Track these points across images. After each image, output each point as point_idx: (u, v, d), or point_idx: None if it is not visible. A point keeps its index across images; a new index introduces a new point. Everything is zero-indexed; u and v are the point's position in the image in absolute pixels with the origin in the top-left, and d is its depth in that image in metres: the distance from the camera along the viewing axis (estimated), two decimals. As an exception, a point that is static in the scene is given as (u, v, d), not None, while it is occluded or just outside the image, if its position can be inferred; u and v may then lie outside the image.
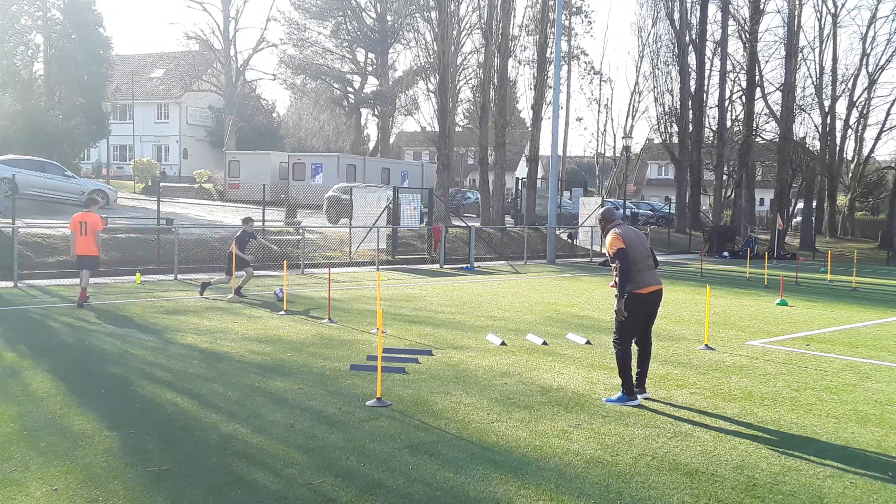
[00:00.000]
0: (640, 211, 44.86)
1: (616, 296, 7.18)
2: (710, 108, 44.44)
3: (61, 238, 18.34)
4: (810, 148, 45.95)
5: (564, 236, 30.69)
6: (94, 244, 12.39)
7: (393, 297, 14.62)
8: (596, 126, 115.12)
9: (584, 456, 5.67)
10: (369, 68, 55.94)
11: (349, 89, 56.13)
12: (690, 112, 41.58)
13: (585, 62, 58.08)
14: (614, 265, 7.17)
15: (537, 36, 34.99)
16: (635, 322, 7.19)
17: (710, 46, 42.99)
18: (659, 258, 7.59)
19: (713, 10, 42.39)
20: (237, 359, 8.74)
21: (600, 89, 75.87)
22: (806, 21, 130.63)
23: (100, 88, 36.25)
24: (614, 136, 70.31)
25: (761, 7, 39.80)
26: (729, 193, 47.92)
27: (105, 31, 36.52)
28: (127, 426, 6.10)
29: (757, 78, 41.20)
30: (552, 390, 7.59)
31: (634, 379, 7.26)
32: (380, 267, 21.39)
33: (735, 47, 44.34)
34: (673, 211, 43.30)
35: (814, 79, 45.90)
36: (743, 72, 42.89)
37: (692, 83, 41.82)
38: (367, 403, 6.87)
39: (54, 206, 23.89)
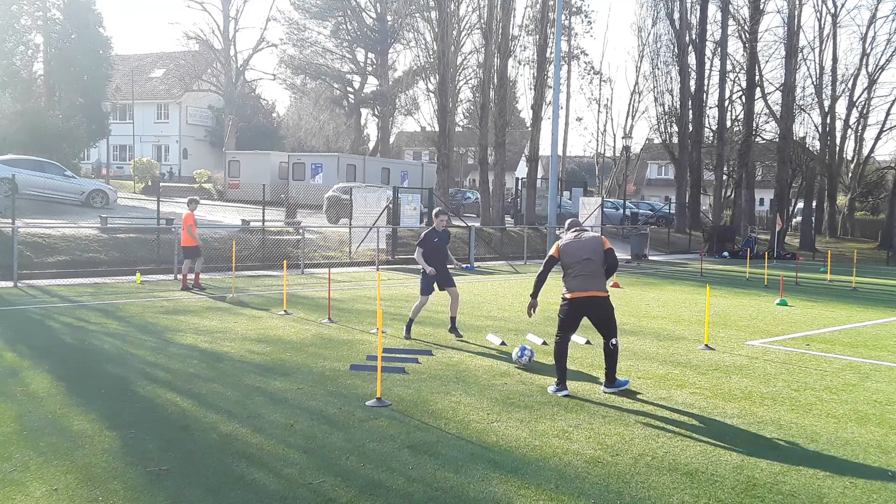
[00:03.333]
0: (640, 211, 44.83)
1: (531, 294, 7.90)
2: (710, 108, 44.44)
3: (61, 238, 18.34)
4: (810, 148, 45.94)
5: (564, 236, 30.62)
6: (187, 236, 14.97)
7: (393, 297, 14.61)
8: (596, 126, 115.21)
9: (584, 456, 5.67)
10: (369, 68, 55.95)
11: (349, 89, 56.13)
12: (690, 112, 41.57)
13: (585, 62, 58.19)
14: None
15: (537, 36, 34.99)
16: (569, 321, 7.61)
17: (710, 46, 42.99)
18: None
19: (713, 10, 42.42)
20: (237, 359, 8.74)
21: (600, 89, 76.11)
22: (806, 21, 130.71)
23: (100, 88, 36.26)
24: (614, 136, 70.43)
25: (761, 7, 39.79)
26: (729, 193, 47.91)
27: (105, 31, 36.55)
28: (127, 426, 6.10)
29: (757, 78, 41.19)
30: (552, 390, 7.59)
31: (604, 375, 7.63)
32: (380, 267, 21.39)
33: (735, 47, 44.39)
34: (673, 211, 43.29)
35: (814, 79, 45.97)
36: (743, 72, 42.89)
37: (692, 83, 41.81)
38: (367, 403, 6.87)
39: (54, 206, 23.90)
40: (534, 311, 7.98)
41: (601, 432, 6.25)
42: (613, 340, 7.51)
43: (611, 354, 7.52)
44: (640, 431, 6.31)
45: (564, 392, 7.41)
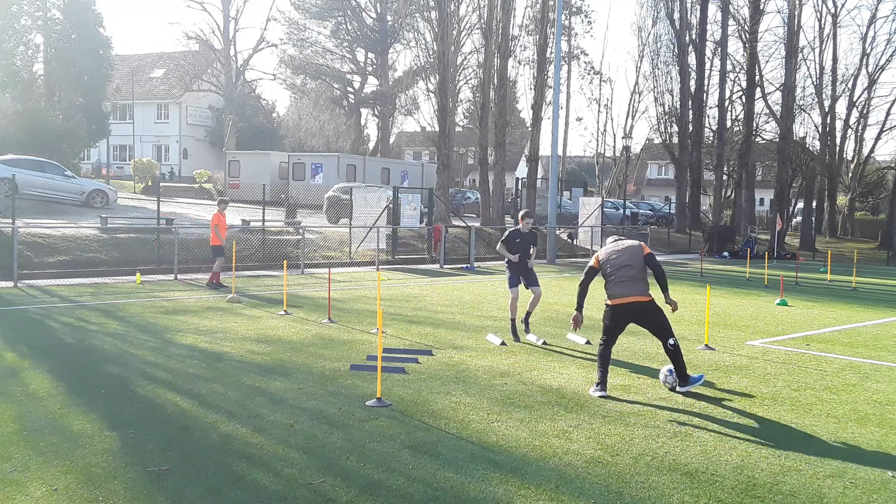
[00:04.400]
0: (640, 211, 44.83)
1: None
2: (710, 108, 44.44)
3: (61, 238, 18.34)
4: (810, 148, 45.93)
5: (564, 236, 30.69)
6: (214, 236, 15.58)
7: (393, 297, 14.61)
8: (596, 126, 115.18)
9: (584, 456, 5.67)
10: (369, 68, 55.95)
11: (349, 89, 56.13)
12: (690, 112, 41.57)
13: (585, 62, 58.15)
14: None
15: (537, 36, 34.97)
16: (612, 327, 7.69)
17: (710, 46, 43.00)
18: (658, 258, 7.81)
19: (713, 10, 42.43)
20: (237, 359, 8.74)
21: (600, 89, 75.95)
22: (806, 21, 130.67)
23: (100, 88, 36.27)
24: (614, 136, 70.43)
25: (761, 7, 39.80)
26: (729, 193, 47.92)
27: (105, 31, 36.57)
28: (127, 426, 6.10)
29: (757, 78, 41.19)
30: (552, 390, 7.59)
31: (677, 375, 7.60)
32: (380, 267, 21.39)
33: (735, 47, 44.39)
34: (673, 211, 43.29)
35: (814, 79, 45.95)
36: (743, 72, 42.89)
37: (692, 83, 41.81)
38: (367, 403, 6.87)
39: (54, 206, 23.91)
40: (577, 326, 7.95)
41: (601, 432, 6.25)
42: (671, 341, 7.45)
43: (673, 354, 7.49)
44: (640, 431, 6.31)
45: (602, 393, 7.43)
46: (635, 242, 7.87)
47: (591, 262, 7.85)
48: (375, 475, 5.17)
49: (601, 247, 7.96)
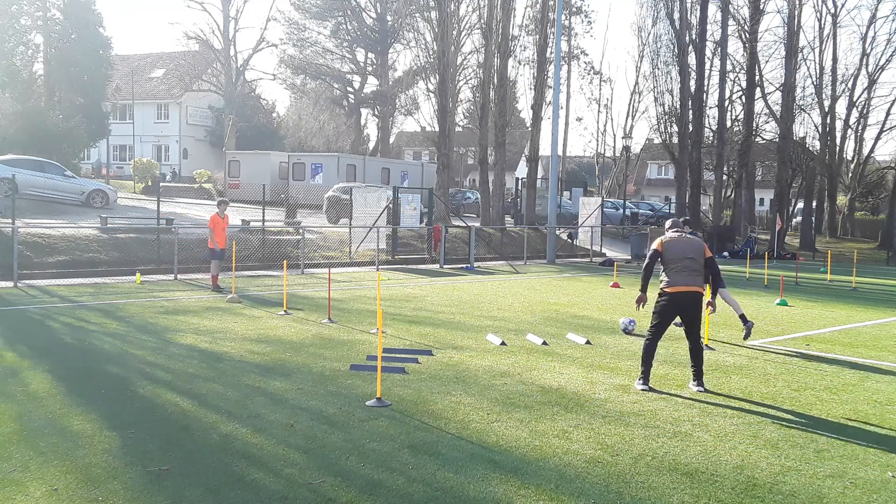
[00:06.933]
0: (640, 211, 44.78)
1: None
2: (710, 108, 44.36)
3: (61, 238, 18.34)
4: (810, 148, 45.93)
5: (564, 236, 30.69)
6: (210, 238, 15.23)
7: (393, 297, 14.61)
8: (596, 126, 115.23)
9: (584, 456, 5.67)
10: (369, 68, 55.94)
11: (349, 89, 56.11)
12: (690, 112, 41.48)
13: (585, 62, 58.20)
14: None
15: (537, 36, 34.99)
16: (664, 319, 7.81)
17: (710, 46, 42.87)
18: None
19: (713, 10, 42.30)
20: (237, 359, 8.74)
21: (600, 89, 76.06)
22: (806, 21, 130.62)
23: (100, 88, 36.26)
24: (614, 136, 70.48)
25: (761, 7, 39.76)
26: (729, 193, 47.89)
27: (105, 31, 36.57)
28: (127, 426, 6.10)
29: (757, 78, 41.17)
30: (552, 390, 7.59)
31: (692, 374, 7.86)
32: (380, 267, 21.39)
33: (735, 47, 44.33)
34: (673, 211, 43.25)
35: (814, 79, 45.94)
36: (743, 72, 42.86)
37: (692, 83, 41.71)
38: (367, 403, 6.87)
39: (54, 206, 23.90)
40: (642, 306, 8.09)
41: (601, 432, 6.25)
42: (701, 341, 7.83)
43: (699, 353, 7.78)
44: (640, 431, 6.31)
45: (644, 386, 7.67)
46: (699, 240, 8.10)
47: (655, 245, 7.97)
48: (375, 475, 5.17)
49: (662, 238, 8.01)
